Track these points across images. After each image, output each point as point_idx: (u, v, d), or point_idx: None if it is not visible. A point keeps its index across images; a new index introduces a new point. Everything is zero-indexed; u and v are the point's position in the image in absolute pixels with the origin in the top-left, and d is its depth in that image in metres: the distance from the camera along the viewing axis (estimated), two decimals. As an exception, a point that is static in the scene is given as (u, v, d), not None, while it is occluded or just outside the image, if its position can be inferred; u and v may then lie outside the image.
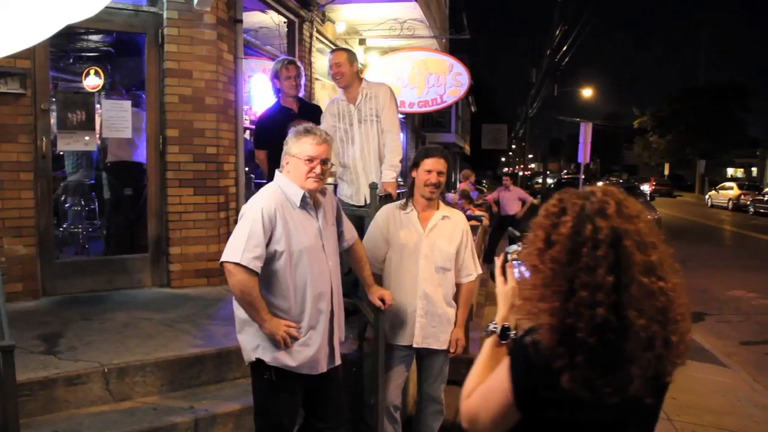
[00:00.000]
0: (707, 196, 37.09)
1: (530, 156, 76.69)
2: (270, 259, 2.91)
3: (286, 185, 3.02)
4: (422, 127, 22.20)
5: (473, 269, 3.87)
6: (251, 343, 3.02)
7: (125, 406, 3.77)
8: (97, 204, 7.42)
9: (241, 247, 2.80)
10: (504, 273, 1.71)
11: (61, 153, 7.06)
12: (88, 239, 7.08)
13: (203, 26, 5.77)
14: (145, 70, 5.75)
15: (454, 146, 29.44)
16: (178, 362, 4.02)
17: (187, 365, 4.05)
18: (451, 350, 3.77)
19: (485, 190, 23.05)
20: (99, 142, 6.41)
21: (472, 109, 38.42)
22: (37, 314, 4.85)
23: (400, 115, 16.22)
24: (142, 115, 6.00)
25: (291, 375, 3.02)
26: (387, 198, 4.59)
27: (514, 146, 67.44)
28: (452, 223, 3.80)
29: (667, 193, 43.16)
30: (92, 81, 7.73)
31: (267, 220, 2.87)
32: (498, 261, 1.75)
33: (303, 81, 5.33)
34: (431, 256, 3.70)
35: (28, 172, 5.16)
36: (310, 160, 2.99)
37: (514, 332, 1.65)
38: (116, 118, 5.65)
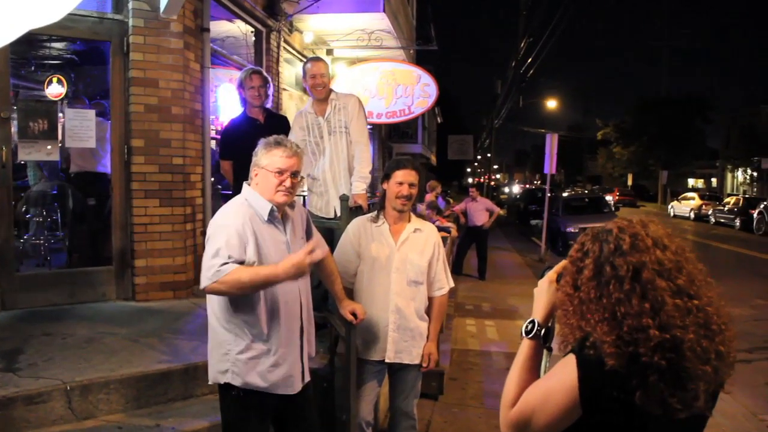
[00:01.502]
0: (669, 206, 37.77)
1: (495, 167, 77.29)
2: None
3: (253, 199, 2.94)
4: (389, 138, 22.24)
5: (445, 282, 3.85)
6: (220, 367, 2.91)
7: (89, 425, 3.66)
8: (60, 215, 7.25)
9: (208, 267, 2.69)
10: (558, 280, 1.72)
11: (23, 162, 6.89)
12: (50, 251, 6.90)
13: (169, 35, 5.67)
14: (109, 79, 5.63)
15: (420, 157, 29.45)
16: (144, 379, 3.92)
17: (153, 382, 3.95)
18: (424, 365, 3.74)
19: (451, 201, 23.14)
20: (62, 151, 6.28)
21: (439, 120, 38.59)
22: (-4, 330, 4.70)
23: (368, 126, 16.23)
24: (106, 125, 5.87)
25: (260, 393, 2.93)
26: (358, 210, 4.55)
27: (479, 157, 67.94)
28: (424, 235, 3.77)
29: (630, 203, 43.84)
30: (55, 89, 7.58)
31: (236, 237, 2.75)
32: (559, 267, 1.76)
33: (271, 91, 5.26)
34: (403, 269, 3.67)
35: (-14, 182, 5.01)
36: (280, 172, 2.91)
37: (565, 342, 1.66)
38: (80, 128, 5.52)
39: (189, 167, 5.91)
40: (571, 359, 1.53)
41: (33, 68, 8.24)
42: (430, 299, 3.83)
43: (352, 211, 4.45)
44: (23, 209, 6.96)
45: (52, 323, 4.86)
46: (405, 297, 3.67)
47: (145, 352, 4.28)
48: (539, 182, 58.34)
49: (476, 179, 62.32)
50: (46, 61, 8.07)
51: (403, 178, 3.63)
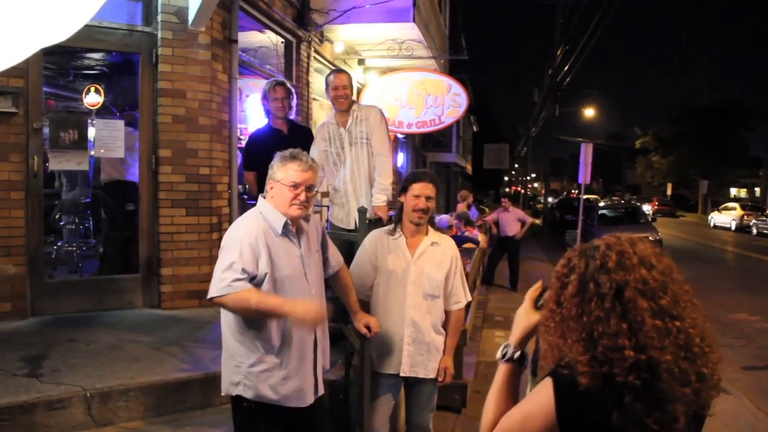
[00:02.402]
0: (710, 217, 36.96)
1: (533, 175, 76.65)
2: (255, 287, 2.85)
3: (267, 212, 2.96)
4: (423, 147, 22.22)
5: (462, 296, 3.80)
6: (232, 379, 2.93)
7: (107, 431, 3.71)
8: (92, 222, 7.40)
9: (219, 279, 2.71)
10: (535, 303, 1.73)
11: (59, 171, 7.07)
12: (82, 258, 7.04)
13: (197, 46, 5.77)
14: (138, 90, 5.75)
15: (455, 166, 29.45)
16: (163, 387, 3.97)
17: (173, 390, 4.00)
18: (440, 379, 3.70)
19: (487, 210, 23.03)
20: (94, 160, 6.43)
21: (474, 129, 38.50)
22: (24, 335, 4.81)
23: (401, 135, 16.24)
24: (136, 135, 5.99)
25: (272, 405, 2.94)
26: (377, 222, 4.54)
27: (517, 165, 67.48)
28: (441, 249, 3.74)
29: (669, 213, 43.06)
30: (92, 98, 7.76)
31: (248, 249, 2.78)
32: (533, 290, 1.76)
33: (294, 102, 5.30)
34: (419, 282, 3.64)
35: (18, 191, 5.16)
36: (295, 186, 2.92)
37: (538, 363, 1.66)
38: (109, 138, 5.65)
39: (215, 177, 5.99)
40: (548, 382, 1.52)
41: (71, 78, 8.44)
42: (447, 313, 3.79)
43: (371, 223, 4.45)
44: (57, 217, 7.13)
45: (77, 330, 4.96)
46: (421, 310, 3.64)
47: (165, 360, 4.34)
48: (577, 192, 57.66)
49: (513, 188, 61.84)
50: (80, 72, 8.26)
51: (420, 191, 3.60)
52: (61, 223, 7.19)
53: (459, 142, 26.60)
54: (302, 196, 2.94)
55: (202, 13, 5.49)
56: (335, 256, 3.39)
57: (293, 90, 5.35)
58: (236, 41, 6.36)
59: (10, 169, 5.11)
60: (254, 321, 2.87)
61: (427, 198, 3.61)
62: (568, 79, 25.96)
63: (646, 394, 1.41)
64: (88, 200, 7.31)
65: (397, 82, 10.66)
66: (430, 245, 3.70)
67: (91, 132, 5.87)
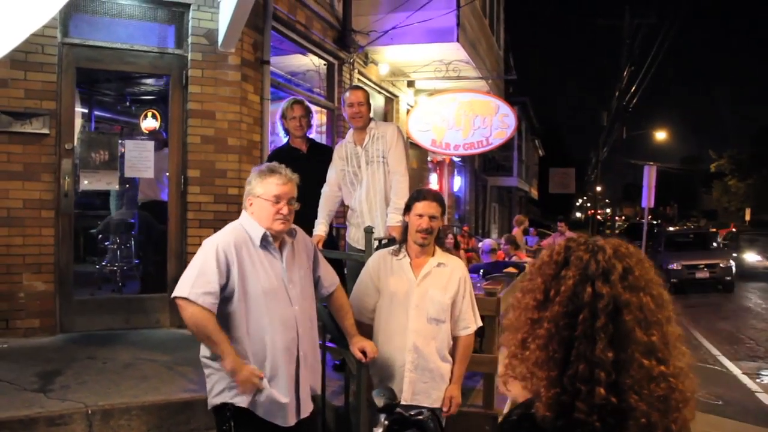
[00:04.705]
0: (789, 242, 34.99)
1: (607, 200, 74.69)
2: (226, 299, 2.80)
3: (248, 224, 2.94)
4: (483, 171, 21.92)
5: (472, 321, 3.60)
6: (215, 390, 2.86)
7: (106, 450, 3.69)
8: (134, 242, 7.54)
9: (190, 282, 2.73)
10: None
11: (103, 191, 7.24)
12: (124, 278, 7.16)
13: (227, 67, 5.82)
14: (169, 111, 5.83)
15: (517, 190, 28.99)
16: (166, 407, 3.93)
17: (176, 410, 3.95)
18: (444, 409, 3.51)
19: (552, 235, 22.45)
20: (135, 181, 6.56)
21: (540, 153, 37.85)
22: (47, 351, 4.89)
23: (456, 159, 16.03)
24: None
25: (253, 423, 2.83)
26: (390, 242, 4.41)
27: (590, 193, 65.97)
28: (448, 270, 3.56)
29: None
30: (150, 123, 7.98)
31: (222, 256, 2.78)
32: None
33: (314, 121, 5.26)
34: (422, 305, 3.47)
35: (49, 210, 5.28)
36: (277, 200, 2.87)
37: None
38: (138, 158, 5.75)
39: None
40: None
41: (128, 104, 8.72)
42: (455, 339, 3.60)
43: (383, 243, 4.32)
44: (100, 237, 7.30)
45: (99, 347, 5.01)
46: (424, 335, 3.47)
47: (175, 380, 4.31)
48: (651, 217, 55.84)
49: (591, 212, 60.31)
50: (135, 97, 8.51)
51: (423, 211, 3.45)
52: (106, 243, 7.36)
53: (521, 166, 26.13)
54: (284, 210, 2.90)
55: (230, 34, 5.54)
56: (329, 276, 3.28)
57: (311, 109, 5.30)
58: (268, 62, 6.39)
59: (41, 188, 5.24)
60: (225, 326, 2.81)
61: (431, 217, 3.45)
62: (635, 101, 25.26)
63: None
64: (133, 221, 7.47)
65: (444, 103, 10.52)
66: (435, 266, 3.53)
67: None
